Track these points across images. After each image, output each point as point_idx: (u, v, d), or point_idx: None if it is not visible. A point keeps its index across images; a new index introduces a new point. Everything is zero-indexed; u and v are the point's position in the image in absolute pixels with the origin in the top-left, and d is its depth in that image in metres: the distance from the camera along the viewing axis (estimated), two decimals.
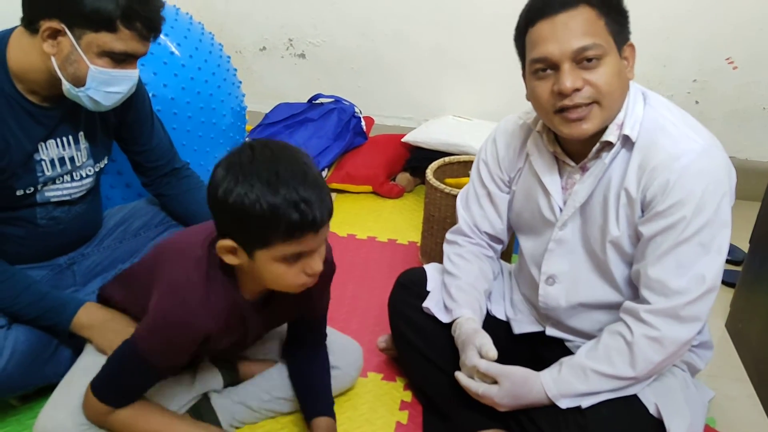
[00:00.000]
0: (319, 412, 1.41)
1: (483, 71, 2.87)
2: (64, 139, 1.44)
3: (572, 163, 1.31)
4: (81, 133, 1.47)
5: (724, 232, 1.19)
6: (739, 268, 1.92)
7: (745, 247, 1.90)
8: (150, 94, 1.95)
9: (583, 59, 1.16)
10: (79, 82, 1.31)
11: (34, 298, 1.40)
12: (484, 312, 1.48)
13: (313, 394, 1.46)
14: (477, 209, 1.52)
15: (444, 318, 1.45)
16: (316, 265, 1.12)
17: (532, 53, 1.21)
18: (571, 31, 1.15)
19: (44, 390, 1.35)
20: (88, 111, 1.42)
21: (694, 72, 2.69)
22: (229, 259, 1.13)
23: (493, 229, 1.51)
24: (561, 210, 1.33)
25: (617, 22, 1.19)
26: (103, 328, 1.40)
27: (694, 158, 1.16)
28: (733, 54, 2.63)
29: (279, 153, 1.08)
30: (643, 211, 1.22)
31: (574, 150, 1.30)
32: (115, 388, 1.26)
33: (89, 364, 1.36)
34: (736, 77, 2.66)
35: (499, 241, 1.55)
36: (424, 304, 1.49)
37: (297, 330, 1.48)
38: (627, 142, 1.23)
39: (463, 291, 1.45)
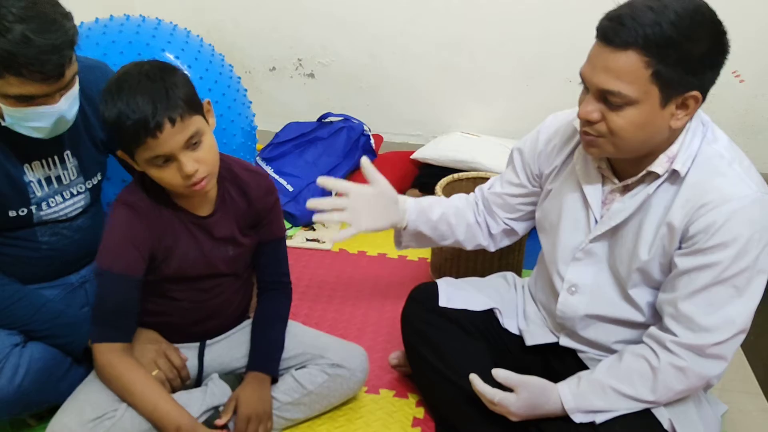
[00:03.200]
0: (255, 366, 1.48)
1: (491, 88, 2.89)
2: (49, 159, 1.45)
3: (616, 181, 1.30)
4: (67, 152, 1.48)
5: (761, 278, 1.19)
6: None
7: None
8: None
9: (607, 98, 1.15)
10: (1, 116, 1.32)
11: (50, 316, 1.43)
12: (428, 215, 1.53)
13: (256, 344, 1.51)
14: (498, 188, 1.54)
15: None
16: (186, 167, 1.24)
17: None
18: (606, 69, 1.12)
19: (58, 409, 1.37)
20: (72, 129, 1.44)
21: None
22: (135, 165, 1.30)
23: (504, 211, 1.54)
24: (596, 223, 1.33)
25: (678, 72, 1.10)
26: None
27: (746, 204, 1.14)
28: (740, 67, 2.64)
29: (134, 69, 1.25)
30: (681, 244, 1.20)
31: (620, 168, 1.29)
32: (103, 318, 1.36)
33: (95, 377, 1.40)
34: (744, 90, 2.67)
35: (495, 218, 1.56)
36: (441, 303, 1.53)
37: (260, 259, 1.55)
38: (674, 175, 1.21)
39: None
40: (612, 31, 1.11)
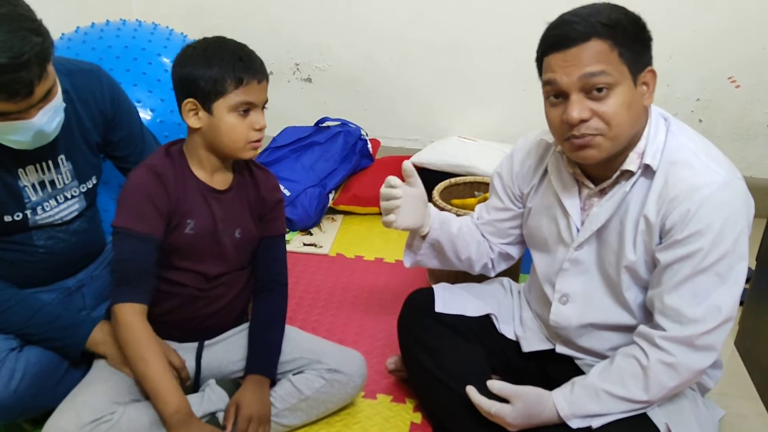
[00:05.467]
0: (255, 368, 1.48)
1: (487, 93, 2.90)
2: (43, 163, 1.44)
3: (591, 186, 1.31)
4: (61, 157, 1.47)
5: (742, 264, 1.19)
6: (746, 286, 1.92)
7: (752, 264, 1.90)
8: (158, 120, 1.98)
9: (592, 89, 1.16)
10: None
11: (47, 319, 1.42)
12: (449, 227, 1.52)
13: (254, 347, 1.51)
14: (486, 216, 1.55)
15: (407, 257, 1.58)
16: (261, 120, 1.39)
17: (544, 76, 1.22)
18: (582, 60, 1.15)
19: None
20: (67, 134, 1.43)
21: (698, 91, 2.70)
22: (192, 122, 1.37)
23: (497, 237, 1.54)
24: (578, 230, 1.34)
25: (634, 50, 1.17)
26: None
27: (715, 190, 1.16)
28: (736, 73, 2.65)
29: (222, 37, 1.42)
30: (661, 239, 1.22)
31: (594, 172, 1.31)
32: (124, 279, 1.37)
33: (93, 378, 1.41)
34: (740, 96, 2.68)
35: (497, 249, 1.57)
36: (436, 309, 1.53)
37: (261, 255, 1.57)
38: (647, 170, 1.23)
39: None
40: (568, 32, 1.17)
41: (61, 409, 1.34)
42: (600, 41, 1.15)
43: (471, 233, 1.55)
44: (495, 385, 1.29)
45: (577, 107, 1.17)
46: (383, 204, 1.43)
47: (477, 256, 1.56)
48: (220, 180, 1.46)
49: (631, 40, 1.17)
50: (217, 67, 1.33)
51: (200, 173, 1.44)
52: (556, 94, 1.21)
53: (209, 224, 1.44)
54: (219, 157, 1.43)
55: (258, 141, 1.40)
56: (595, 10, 1.18)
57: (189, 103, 1.36)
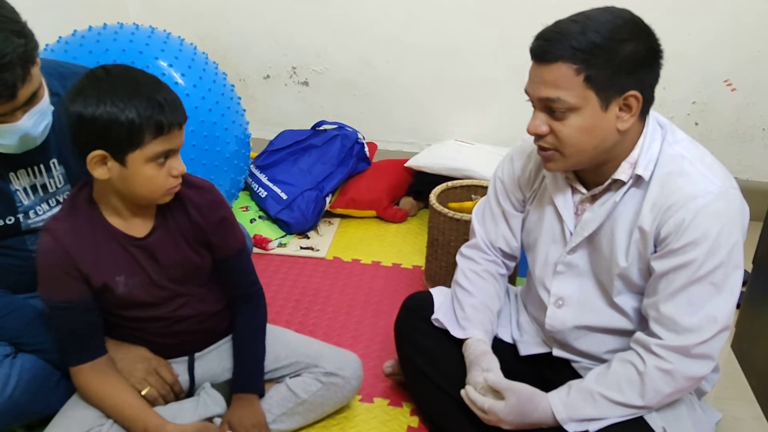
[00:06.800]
0: (242, 388, 1.46)
1: (484, 96, 2.90)
2: (35, 167, 1.43)
3: (583, 190, 1.32)
4: (53, 161, 1.46)
5: (737, 274, 1.19)
6: (743, 289, 1.92)
7: (748, 267, 1.90)
8: None
9: (550, 109, 1.19)
10: None
11: (41, 330, 1.42)
12: (495, 332, 1.50)
13: (237, 365, 1.49)
14: (492, 225, 1.54)
15: (458, 333, 1.46)
16: (180, 165, 1.26)
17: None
18: (543, 82, 1.17)
19: (49, 419, 1.37)
20: (59, 137, 1.42)
21: (694, 94, 2.71)
22: (99, 173, 1.22)
23: (508, 247, 1.53)
24: (571, 234, 1.34)
25: (609, 73, 1.14)
26: (112, 350, 1.41)
27: (710, 200, 1.16)
28: (732, 76, 2.65)
29: (128, 68, 1.24)
30: (656, 247, 1.22)
31: (587, 178, 1.31)
32: (64, 345, 1.36)
33: None
34: (735, 99, 2.68)
35: (512, 258, 1.56)
36: (434, 316, 1.50)
37: (223, 275, 1.48)
38: (639, 180, 1.23)
39: (477, 310, 1.47)
40: (540, 50, 1.17)
41: (52, 426, 1.34)
42: (565, 65, 1.14)
43: (492, 298, 1.52)
44: (490, 376, 1.30)
45: (536, 122, 1.22)
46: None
47: (503, 295, 1.56)
48: (140, 224, 1.33)
49: (608, 64, 1.13)
50: (133, 114, 1.16)
51: (116, 221, 1.32)
52: (531, 101, 1.24)
53: (141, 275, 1.35)
54: (135, 202, 1.30)
55: (176, 187, 1.28)
56: (581, 28, 1.14)
57: (96, 156, 1.19)
